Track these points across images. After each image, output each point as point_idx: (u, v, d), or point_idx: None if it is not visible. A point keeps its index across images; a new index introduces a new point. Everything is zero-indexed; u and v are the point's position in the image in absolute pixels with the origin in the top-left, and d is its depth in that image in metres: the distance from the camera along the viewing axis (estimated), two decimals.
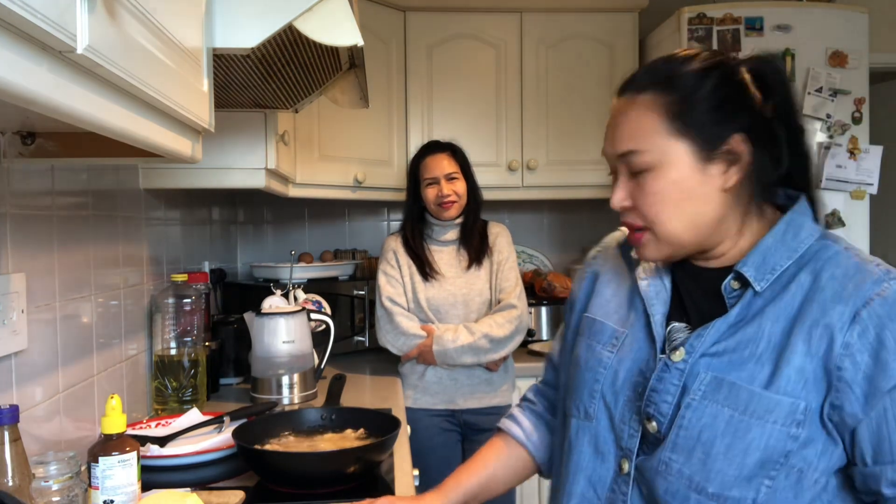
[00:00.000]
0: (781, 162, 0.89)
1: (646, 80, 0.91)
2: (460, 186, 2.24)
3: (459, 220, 2.28)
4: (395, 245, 2.29)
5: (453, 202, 2.22)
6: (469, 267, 2.26)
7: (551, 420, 1.17)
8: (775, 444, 0.82)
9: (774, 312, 0.86)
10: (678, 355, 0.90)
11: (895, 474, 0.81)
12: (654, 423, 0.90)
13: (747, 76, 0.89)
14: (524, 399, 1.24)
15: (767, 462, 0.83)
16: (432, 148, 2.29)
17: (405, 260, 2.26)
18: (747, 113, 0.88)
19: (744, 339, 0.86)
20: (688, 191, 0.88)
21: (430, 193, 2.24)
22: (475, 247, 2.27)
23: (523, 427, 1.18)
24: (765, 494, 0.83)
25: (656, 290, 0.97)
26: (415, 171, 2.29)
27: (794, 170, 0.90)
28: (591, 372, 0.99)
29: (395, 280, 2.25)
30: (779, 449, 0.83)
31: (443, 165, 2.23)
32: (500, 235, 2.32)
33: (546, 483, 2.73)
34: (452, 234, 2.29)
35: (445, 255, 2.28)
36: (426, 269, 2.24)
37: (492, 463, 1.16)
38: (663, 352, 0.93)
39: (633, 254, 1.03)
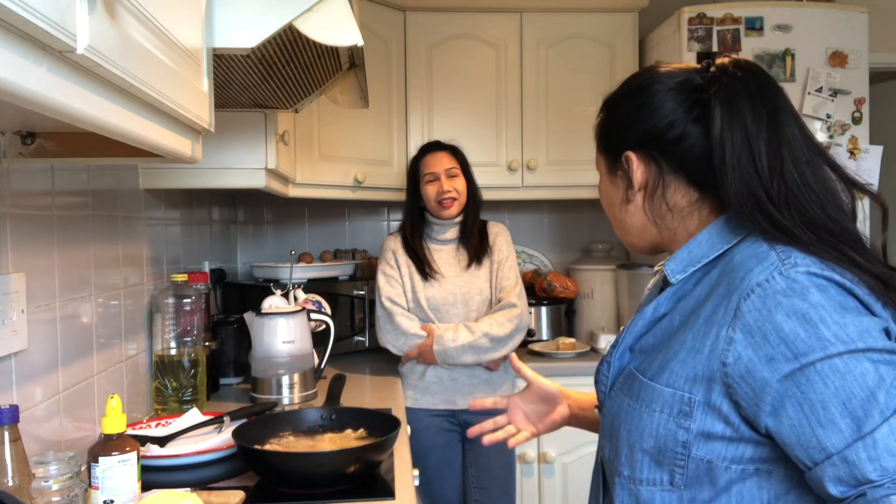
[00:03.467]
0: (711, 168, 0.87)
1: (602, 103, 1.01)
2: (460, 184, 2.25)
3: (459, 219, 2.29)
4: (395, 245, 2.29)
5: (453, 199, 2.23)
6: (468, 266, 2.26)
7: None
8: (665, 434, 0.85)
9: (683, 307, 0.89)
10: (606, 350, 1.00)
11: (835, 469, 0.74)
12: (596, 411, 1.03)
13: (670, 91, 0.90)
14: None
15: (665, 450, 0.85)
16: (433, 147, 2.31)
17: (404, 260, 2.26)
18: (653, 128, 0.90)
19: (658, 332, 0.91)
20: (609, 199, 1.00)
21: (430, 190, 2.24)
22: (474, 246, 2.27)
23: None
24: (680, 479, 0.85)
25: (649, 294, 1.04)
26: (415, 168, 2.30)
27: (723, 177, 0.86)
28: None
29: (395, 280, 2.25)
30: (670, 438, 0.84)
31: (443, 162, 2.25)
32: (499, 235, 2.32)
33: (546, 483, 2.73)
34: (452, 233, 2.29)
35: (445, 254, 2.28)
36: (425, 269, 2.24)
37: None
38: None
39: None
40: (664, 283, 0.94)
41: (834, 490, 0.75)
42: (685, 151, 0.90)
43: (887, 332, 0.78)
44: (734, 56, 0.93)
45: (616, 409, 0.92)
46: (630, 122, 0.93)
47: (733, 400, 0.80)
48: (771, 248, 0.82)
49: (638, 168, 0.92)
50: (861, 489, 0.73)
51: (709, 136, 0.87)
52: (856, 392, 0.74)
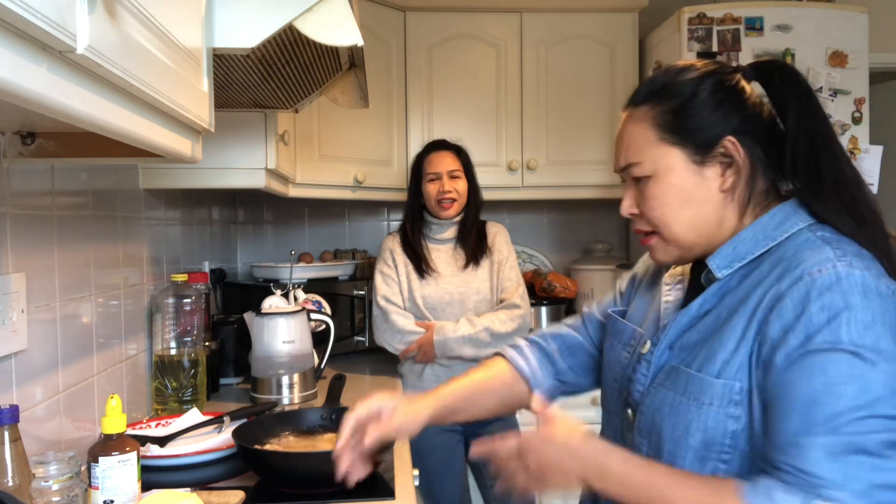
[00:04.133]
0: (783, 161, 0.91)
1: (643, 93, 0.96)
2: (461, 185, 2.26)
3: (458, 219, 2.30)
4: (392, 245, 2.30)
5: (453, 200, 2.24)
6: (465, 266, 2.26)
7: (559, 363, 1.19)
8: (715, 426, 0.85)
9: (729, 302, 0.89)
10: (646, 347, 0.96)
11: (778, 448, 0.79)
12: (629, 412, 0.97)
13: (743, 81, 0.93)
14: (534, 338, 1.23)
15: (712, 443, 0.85)
16: (437, 145, 2.32)
17: (402, 259, 2.27)
18: (740, 116, 0.91)
19: (703, 327, 0.91)
20: (686, 194, 0.92)
21: (431, 189, 2.25)
22: (472, 246, 2.28)
23: (530, 364, 1.18)
24: (723, 474, 0.85)
25: (672, 290, 1.01)
26: (418, 166, 2.31)
27: (800, 167, 0.90)
28: (612, 371, 1.05)
29: (391, 279, 2.25)
30: (720, 430, 0.84)
31: (446, 162, 2.25)
32: (498, 235, 2.33)
33: None
34: (450, 232, 2.30)
35: (442, 253, 2.29)
36: (422, 267, 2.24)
37: (493, 389, 1.18)
38: None
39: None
40: (707, 280, 0.94)
41: (769, 454, 0.80)
42: (769, 141, 0.92)
43: None
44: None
45: (658, 405, 0.91)
46: (728, 109, 0.91)
47: (760, 380, 0.83)
48: (826, 244, 0.84)
49: (742, 153, 0.91)
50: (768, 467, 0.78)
51: (786, 124, 0.91)
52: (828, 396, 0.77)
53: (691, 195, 0.92)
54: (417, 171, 2.31)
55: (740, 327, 0.85)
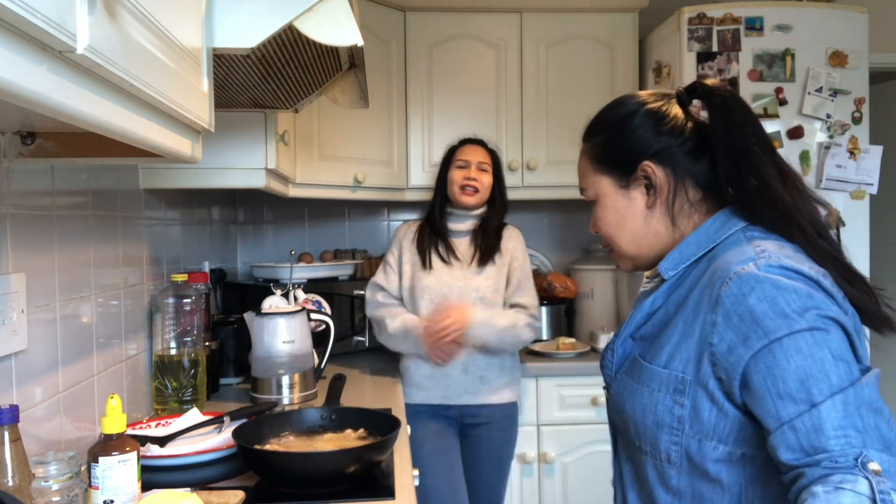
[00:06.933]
0: (712, 174, 1.01)
1: (586, 128, 1.12)
2: (487, 179, 2.27)
3: (480, 212, 2.29)
4: (403, 235, 2.33)
5: (476, 189, 2.24)
6: (472, 263, 2.26)
7: None
8: (663, 409, 0.96)
9: (675, 297, 1.01)
10: (609, 337, 1.12)
11: (783, 437, 0.83)
12: (604, 391, 1.14)
13: (672, 106, 1.04)
14: None
15: (663, 424, 0.96)
16: (474, 140, 2.34)
17: (410, 250, 2.29)
18: (660, 140, 1.03)
19: (655, 322, 1.03)
20: (620, 214, 1.07)
21: (456, 174, 2.25)
22: (489, 245, 2.27)
23: None
24: (676, 454, 0.95)
25: (646, 288, 1.13)
26: (449, 155, 2.32)
27: (726, 177, 0.98)
28: None
29: (392, 269, 2.29)
30: (668, 413, 0.95)
31: (478, 154, 2.27)
32: (514, 239, 2.32)
33: (546, 483, 2.73)
34: (469, 224, 2.29)
35: (458, 246, 2.29)
36: (430, 258, 2.25)
37: None
38: None
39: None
40: (661, 281, 1.06)
41: (786, 456, 0.83)
42: (693, 156, 1.03)
43: (842, 325, 0.87)
44: (717, 79, 1.06)
45: (621, 390, 1.05)
46: (644, 136, 1.03)
47: (717, 377, 0.91)
48: (748, 243, 0.94)
49: (660, 174, 1.03)
50: (799, 471, 0.82)
51: (710, 142, 1.01)
52: (813, 371, 0.83)
53: (624, 215, 1.07)
54: (447, 160, 2.31)
55: (681, 324, 0.96)
